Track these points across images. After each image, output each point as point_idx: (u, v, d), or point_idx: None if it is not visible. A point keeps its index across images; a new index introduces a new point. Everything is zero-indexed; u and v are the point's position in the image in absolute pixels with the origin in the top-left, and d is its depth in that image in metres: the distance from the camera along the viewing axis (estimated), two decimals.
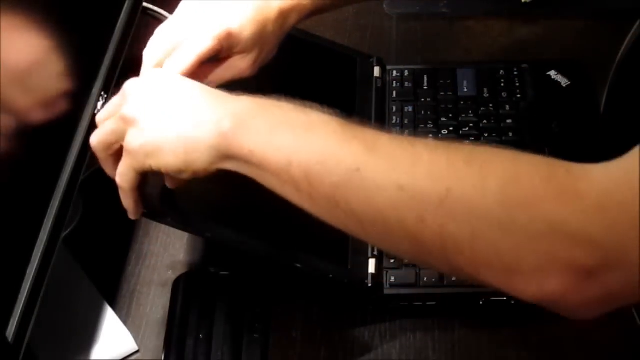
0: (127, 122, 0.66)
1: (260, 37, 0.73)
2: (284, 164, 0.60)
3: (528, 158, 0.56)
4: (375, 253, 0.81)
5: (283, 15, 0.74)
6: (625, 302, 0.55)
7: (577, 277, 0.52)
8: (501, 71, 0.97)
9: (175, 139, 0.64)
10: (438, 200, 0.54)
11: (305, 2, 0.76)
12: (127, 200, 0.69)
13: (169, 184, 0.69)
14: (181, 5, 0.74)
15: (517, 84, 0.95)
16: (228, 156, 0.62)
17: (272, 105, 0.63)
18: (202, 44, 0.71)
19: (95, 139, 0.69)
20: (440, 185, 0.55)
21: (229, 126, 0.62)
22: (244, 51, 0.73)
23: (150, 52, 0.73)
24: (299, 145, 0.60)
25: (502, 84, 0.95)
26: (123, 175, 0.67)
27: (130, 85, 0.68)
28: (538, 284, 0.53)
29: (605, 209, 0.51)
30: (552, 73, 0.96)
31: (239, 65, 0.74)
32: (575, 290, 0.52)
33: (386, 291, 0.80)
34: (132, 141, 0.65)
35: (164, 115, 0.64)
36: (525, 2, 1.06)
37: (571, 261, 0.52)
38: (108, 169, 0.69)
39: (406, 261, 0.81)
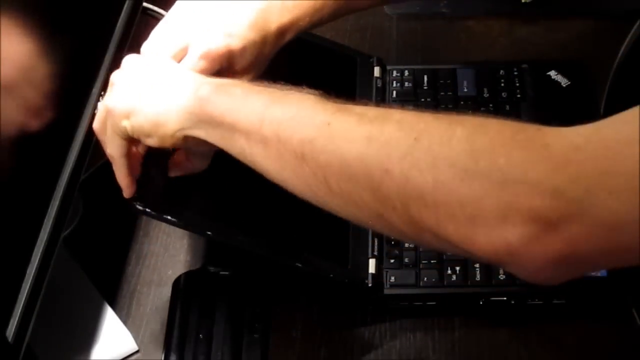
0: (111, 86, 0.69)
1: (259, 58, 0.73)
2: (255, 123, 0.61)
3: (500, 119, 0.55)
4: (376, 253, 0.81)
5: (281, 34, 0.74)
6: (591, 265, 0.54)
7: (538, 227, 0.51)
8: (501, 71, 0.97)
9: (150, 101, 0.66)
10: (405, 150, 0.54)
11: (301, 22, 0.75)
12: (119, 173, 0.70)
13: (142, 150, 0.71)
14: (178, 5, 0.74)
15: (517, 84, 0.95)
16: (200, 119, 0.64)
17: (252, 83, 0.65)
18: (201, 65, 0.70)
19: (95, 122, 0.71)
20: (408, 136, 0.55)
21: (206, 91, 0.64)
22: (243, 72, 0.73)
23: (152, 49, 0.73)
24: (273, 105, 0.61)
25: (502, 84, 0.95)
26: (109, 142, 0.69)
27: (125, 59, 0.71)
28: (499, 235, 0.52)
29: (571, 161, 0.51)
30: (552, 73, 0.96)
31: None
32: (536, 242, 0.51)
33: (386, 291, 0.80)
34: (110, 101, 0.68)
35: (146, 80, 0.67)
36: (525, 2, 1.06)
37: (533, 211, 0.51)
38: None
39: (406, 261, 0.81)
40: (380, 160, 0.55)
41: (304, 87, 0.64)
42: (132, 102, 0.67)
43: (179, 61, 0.71)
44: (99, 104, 0.71)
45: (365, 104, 0.60)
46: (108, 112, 0.68)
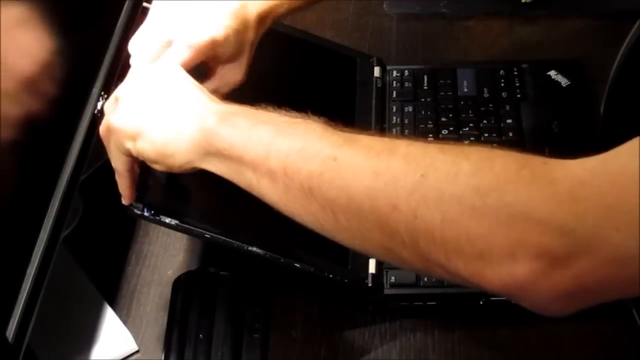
0: (116, 100, 0.68)
1: (242, 45, 0.74)
2: (262, 156, 0.60)
3: (505, 150, 0.55)
4: None
5: (261, 21, 0.75)
6: (599, 298, 0.54)
7: (546, 263, 0.51)
8: (501, 71, 0.97)
9: (157, 128, 0.65)
10: (412, 186, 0.54)
11: (279, 8, 0.76)
12: (120, 183, 0.70)
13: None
14: (157, 4, 0.74)
15: (517, 84, 0.95)
16: (208, 152, 0.63)
17: (257, 109, 0.64)
18: (186, 55, 0.70)
19: (100, 128, 0.70)
20: (414, 172, 0.55)
21: (212, 123, 0.63)
22: (230, 60, 0.74)
23: (140, 48, 0.72)
24: (279, 138, 0.60)
25: (502, 84, 0.95)
26: (112, 155, 0.69)
27: (133, 69, 0.70)
28: (508, 271, 0.52)
29: (577, 197, 0.51)
30: (552, 73, 0.96)
31: (232, 75, 0.75)
32: (545, 278, 0.52)
33: (386, 291, 0.80)
34: (115, 120, 0.67)
35: (151, 102, 0.66)
36: (525, 2, 1.06)
37: (541, 248, 0.51)
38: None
39: None
40: (387, 196, 0.55)
41: (308, 113, 0.63)
42: (138, 125, 0.65)
43: None
44: (105, 107, 0.71)
45: (372, 134, 0.60)
46: (112, 131, 0.67)
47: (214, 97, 0.66)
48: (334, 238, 0.61)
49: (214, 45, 0.71)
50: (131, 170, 0.70)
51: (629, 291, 0.53)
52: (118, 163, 0.69)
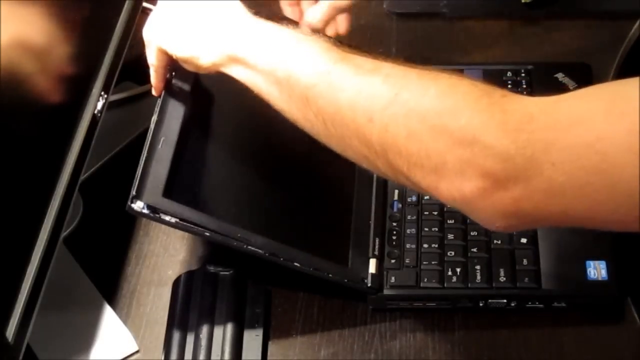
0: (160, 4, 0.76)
1: None
2: (272, 67, 0.68)
3: (474, 80, 0.61)
4: (376, 253, 0.81)
5: None
6: (537, 222, 0.63)
7: (489, 184, 0.57)
8: (508, 72, 0.96)
9: (191, 32, 0.73)
10: (386, 103, 0.61)
11: None
12: (154, 77, 0.78)
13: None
14: None
15: (524, 86, 0.95)
16: (230, 59, 0.71)
17: (276, 23, 0.71)
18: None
19: (144, 30, 0.77)
20: (390, 90, 0.61)
21: (236, 31, 0.70)
22: None
23: None
24: (288, 51, 0.67)
25: (510, 86, 0.95)
26: (150, 52, 0.77)
27: None
28: (457, 187, 0.59)
29: (523, 129, 0.56)
30: (560, 75, 0.95)
31: None
32: (487, 196, 0.58)
33: (386, 291, 0.80)
34: (153, 17, 0.76)
35: (190, 9, 0.73)
36: (525, 3, 1.06)
37: (485, 169, 0.57)
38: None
39: (407, 261, 0.81)
40: (365, 109, 0.62)
41: (319, 32, 0.72)
42: (176, 27, 0.74)
43: None
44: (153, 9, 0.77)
45: (367, 55, 0.66)
46: (153, 29, 0.75)
47: (248, 11, 0.72)
48: (327, 145, 0.67)
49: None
50: (165, 67, 0.77)
51: (564, 221, 0.61)
52: (155, 60, 0.76)
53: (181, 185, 0.75)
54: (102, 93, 0.82)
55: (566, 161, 0.55)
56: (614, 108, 0.54)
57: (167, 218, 0.72)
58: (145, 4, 0.98)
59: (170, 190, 0.73)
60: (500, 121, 0.57)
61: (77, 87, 0.80)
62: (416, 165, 0.60)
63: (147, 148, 0.74)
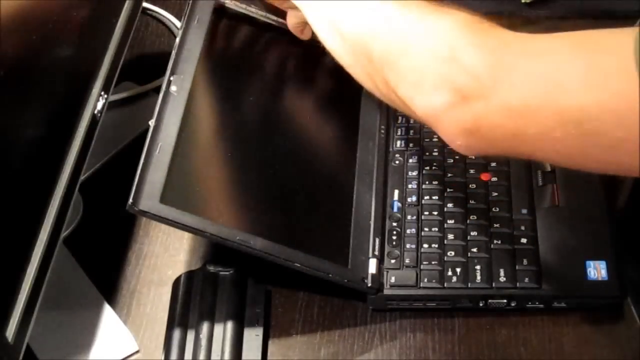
0: None
1: None
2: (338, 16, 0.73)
3: (471, 13, 0.66)
4: (376, 253, 0.81)
5: None
6: (494, 145, 0.65)
7: (455, 99, 0.63)
8: None
9: None
10: (397, 26, 0.68)
11: None
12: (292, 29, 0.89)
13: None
14: None
15: None
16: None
17: None
18: None
19: None
20: (401, 15, 0.68)
21: None
22: None
23: None
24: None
25: None
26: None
27: None
28: (429, 100, 0.65)
29: (496, 52, 0.62)
30: None
31: None
32: (450, 111, 0.63)
33: (386, 291, 0.80)
34: None
35: None
36: (525, 2, 1.06)
37: (457, 85, 0.63)
38: None
39: (407, 261, 0.81)
40: (379, 33, 0.69)
41: None
42: None
43: None
44: None
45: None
46: None
47: None
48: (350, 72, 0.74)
49: None
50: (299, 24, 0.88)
51: (516, 147, 0.64)
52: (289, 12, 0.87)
53: (179, 189, 0.74)
54: (102, 93, 0.82)
55: (524, 83, 0.60)
56: (580, 46, 0.60)
57: (168, 218, 0.72)
58: (145, 4, 0.98)
59: (168, 195, 0.73)
60: (479, 43, 0.63)
61: (77, 87, 0.80)
62: (402, 79, 0.67)
63: (144, 153, 0.74)
